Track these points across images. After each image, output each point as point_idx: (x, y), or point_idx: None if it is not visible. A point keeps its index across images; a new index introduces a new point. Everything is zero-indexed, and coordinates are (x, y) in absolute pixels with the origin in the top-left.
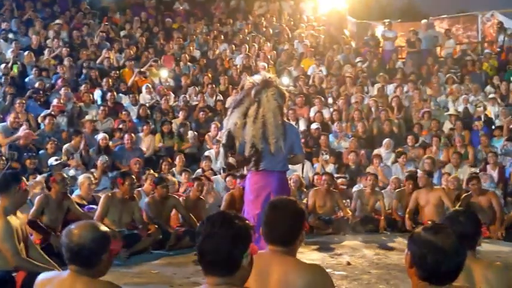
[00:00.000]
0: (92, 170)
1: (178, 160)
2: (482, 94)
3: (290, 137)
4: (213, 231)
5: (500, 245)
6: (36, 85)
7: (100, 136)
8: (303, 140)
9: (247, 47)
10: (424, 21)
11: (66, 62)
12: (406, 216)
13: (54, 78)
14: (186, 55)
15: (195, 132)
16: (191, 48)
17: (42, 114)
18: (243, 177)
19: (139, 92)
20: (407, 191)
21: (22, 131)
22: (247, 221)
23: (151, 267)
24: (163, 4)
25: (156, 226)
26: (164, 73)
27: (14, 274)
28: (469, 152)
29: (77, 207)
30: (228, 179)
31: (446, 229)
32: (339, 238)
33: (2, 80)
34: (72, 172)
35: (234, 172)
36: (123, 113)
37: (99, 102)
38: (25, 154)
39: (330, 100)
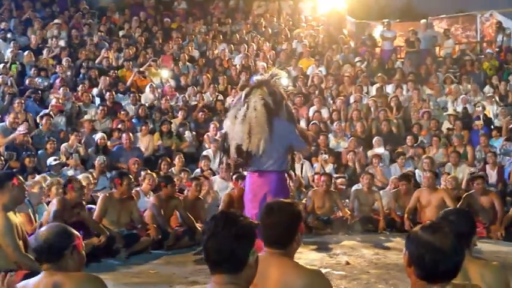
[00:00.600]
0: (91, 170)
1: (177, 160)
2: (481, 94)
3: (283, 135)
4: (217, 230)
5: (499, 245)
6: (27, 82)
7: (98, 136)
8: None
9: (246, 46)
10: (423, 21)
11: (64, 61)
12: (405, 215)
13: (52, 78)
14: (185, 55)
15: (194, 132)
16: (190, 48)
17: (40, 114)
18: (243, 178)
19: (139, 91)
20: (402, 191)
21: (19, 131)
22: (251, 220)
23: (150, 267)
24: (162, 4)
25: (155, 226)
26: (164, 73)
27: (13, 273)
28: (468, 152)
29: (87, 214)
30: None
31: (444, 228)
32: (337, 238)
33: (1, 79)
34: (71, 172)
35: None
36: (122, 112)
37: (97, 101)
38: (24, 153)
39: (329, 100)
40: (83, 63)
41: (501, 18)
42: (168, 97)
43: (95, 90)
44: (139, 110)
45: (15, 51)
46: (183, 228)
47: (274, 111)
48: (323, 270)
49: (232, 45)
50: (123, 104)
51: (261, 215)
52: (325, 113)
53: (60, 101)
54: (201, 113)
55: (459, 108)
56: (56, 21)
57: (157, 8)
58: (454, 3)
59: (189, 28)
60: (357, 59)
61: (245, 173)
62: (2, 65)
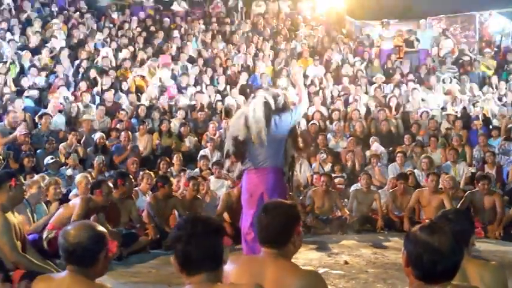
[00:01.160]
0: (89, 169)
1: (176, 159)
2: (480, 94)
3: (279, 131)
4: (196, 231)
5: (497, 244)
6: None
7: (97, 135)
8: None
9: (245, 46)
10: (422, 21)
11: (64, 61)
12: (405, 215)
13: (51, 78)
14: (185, 54)
15: (195, 138)
16: (189, 47)
17: (39, 114)
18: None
19: (138, 91)
20: (399, 191)
21: (19, 131)
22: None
23: (149, 267)
24: (162, 3)
25: (153, 226)
26: (163, 73)
27: (11, 273)
28: (466, 152)
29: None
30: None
31: (442, 228)
32: (336, 237)
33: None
34: (69, 171)
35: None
36: (121, 112)
37: (96, 101)
38: (22, 153)
39: (328, 100)
40: (82, 63)
41: (500, 18)
42: (169, 97)
43: (94, 90)
44: (139, 110)
45: (15, 51)
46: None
47: (273, 110)
48: (321, 270)
49: (231, 45)
50: (122, 104)
51: (258, 214)
52: (324, 112)
53: (59, 100)
54: (200, 113)
55: (458, 108)
56: (55, 21)
57: (156, 8)
58: (453, 3)
59: (188, 28)
60: (356, 58)
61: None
62: (1, 64)
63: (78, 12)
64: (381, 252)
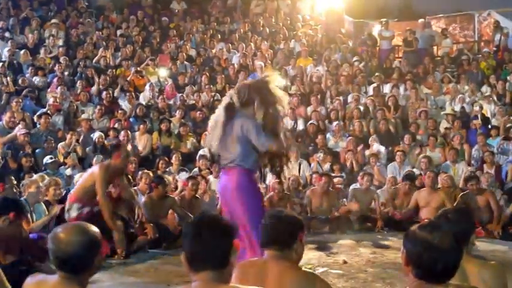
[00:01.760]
0: (88, 169)
1: (175, 159)
2: (479, 93)
3: (240, 130)
4: (203, 230)
5: (496, 243)
6: (20, 82)
7: (96, 135)
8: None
9: (244, 46)
10: (421, 20)
11: (62, 60)
12: (407, 215)
13: (50, 77)
14: (183, 54)
15: (194, 140)
16: (188, 47)
17: (37, 113)
18: None
19: (136, 91)
20: (403, 191)
21: (18, 131)
22: (230, 220)
23: (148, 266)
24: (160, 3)
25: (152, 225)
26: (162, 72)
27: None
28: (465, 151)
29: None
30: None
31: (442, 227)
32: (335, 237)
33: None
34: (69, 171)
35: None
36: (120, 112)
37: (95, 101)
38: (21, 153)
39: (327, 99)
40: (80, 62)
41: (499, 17)
42: (167, 96)
43: (93, 89)
44: (137, 109)
45: (13, 50)
46: (180, 228)
47: (236, 108)
48: (320, 269)
49: (230, 45)
50: (120, 103)
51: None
52: (323, 112)
53: (58, 100)
54: (199, 113)
55: (457, 108)
56: (53, 20)
57: (155, 7)
58: (452, 3)
59: (186, 27)
60: (355, 58)
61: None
62: (2, 64)
63: (75, 11)
64: (380, 251)
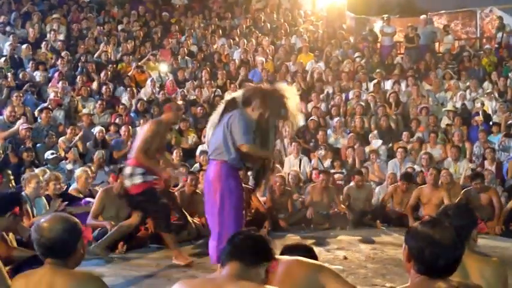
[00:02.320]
0: (89, 164)
1: (175, 154)
2: (480, 90)
3: (227, 126)
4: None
5: (497, 240)
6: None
7: (97, 129)
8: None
9: (245, 41)
10: (422, 16)
11: (63, 55)
12: (408, 211)
13: (51, 72)
14: (184, 49)
15: (195, 135)
16: (189, 42)
17: (38, 108)
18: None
19: (137, 86)
20: (401, 189)
21: (22, 126)
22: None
23: (149, 261)
24: None
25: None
26: (163, 67)
27: None
28: (466, 148)
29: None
30: None
31: (443, 223)
32: (335, 233)
33: None
34: (69, 166)
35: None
36: (121, 107)
37: (95, 95)
38: (22, 147)
39: (329, 95)
40: (81, 57)
41: (501, 14)
42: (168, 92)
43: (93, 84)
44: (138, 104)
45: (14, 45)
46: (181, 223)
47: (237, 104)
48: None
49: (231, 40)
50: (121, 98)
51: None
52: (323, 108)
53: (59, 94)
54: (199, 108)
55: (458, 104)
56: (54, 15)
57: (156, 2)
58: None
59: (188, 22)
60: (356, 54)
61: None
62: (4, 58)
63: (76, 5)
64: (380, 247)
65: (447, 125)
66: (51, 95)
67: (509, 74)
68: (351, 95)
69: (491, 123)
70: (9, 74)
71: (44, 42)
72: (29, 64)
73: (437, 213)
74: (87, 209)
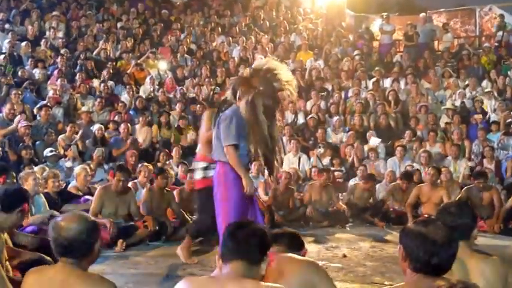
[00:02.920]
0: (88, 161)
1: (175, 152)
2: (479, 88)
3: (219, 124)
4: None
5: (496, 238)
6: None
7: (96, 127)
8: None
9: (245, 39)
10: (422, 14)
11: (63, 53)
12: (407, 209)
13: (50, 69)
14: (184, 47)
15: (194, 133)
16: (188, 40)
17: (38, 106)
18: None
19: (136, 83)
20: (401, 188)
21: (21, 124)
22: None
23: (147, 259)
24: None
25: (152, 217)
26: (162, 65)
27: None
28: (466, 146)
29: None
30: None
31: (436, 221)
32: (334, 231)
33: None
34: (69, 164)
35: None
36: (120, 104)
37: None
38: (21, 145)
39: (328, 93)
40: (81, 55)
41: (500, 12)
42: (167, 89)
43: (93, 82)
44: (137, 102)
45: (13, 42)
46: (180, 220)
47: (225, 105)
48: (320, 263)
49: (230, 38)
50: (120, 96)
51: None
52: (323, 106)
53: (58, 92)
54: (199, 106)
55: (457, 103)
56: (54, 13)
57: (155, 0)
58: None
59: (187, 20)
60: (355, 52)
61: None
62: (3, 56)
63: (75, 3)
64: (379, 245)
65: (446, 123)
66: (50, 93)
67: (508, 73)
68: (350, 93)
69: (490, 121)
70: (7, 71)
71: (43, 40)
72: (28, 61)
73: (438, 210)
74: (86, 207)
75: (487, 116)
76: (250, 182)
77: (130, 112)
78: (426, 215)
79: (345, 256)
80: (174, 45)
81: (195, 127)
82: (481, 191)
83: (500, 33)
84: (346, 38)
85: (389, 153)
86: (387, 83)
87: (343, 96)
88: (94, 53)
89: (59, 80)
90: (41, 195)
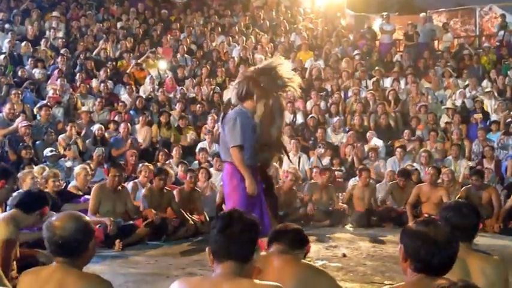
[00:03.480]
0: (88, 161)
1: (175, 152)
2: (479, 88)
3: (224, 125)
4: (231, 224)
5: (495, 238)
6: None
7: (96, 127)
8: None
9: (245, 39)
10: (422, 14)
11: (63, 53)
12: (407, 208)
13: (50, 69)
14: (184, 47)
15: (194, 133)
16: (188, 40)
17: (38, 105)
18: None
19: (136, 83)
20: (399, 185)
21: (18, 122)
22: (254, 217)
23: (147, 258)
24: None
25: (153, 210)
26: (162, 65)
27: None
28: (466, 146)
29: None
30: None
31: (437, 221)
32: (334, 230)
33: None
34: (69, 163)
35: None
36: (120, 104)
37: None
38: (20, 145)
39: (328, 93)
40: (81, 55)
41: (500, 12)
42: (167, 89)
43: (92, 82)
44: (137, 102)
45: (13, 42)
46: (179, 220)
47: (233, 105)
48: (320, 262)
49: (230, 38)
50: (120, 96)
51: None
52: (323, 106)
53: (58, 92)
54: (198, 106)
55: (457, 102)
56: (54, 13)
57: (155, 0)
58: None
59: (187, 20)
60: (355, 52)
61: None
62: (3, 56)
63: (75, 3)
64: (379, 245)
65: (446, 123)
66: (50, 93)
67: (508, 72)
68: (350, 93)
69: (490, 121)
70: (7, 71)
71: (43, 40)
72: (28, 61)
73: (446, 206)
74: (86, 207)
75: (487, 116)
76: (253, 183)
77: (131, 112)
78: (426, 215)
79: (344, 256)
80: (174, 45)
81: (195, 127)
82: (479, 190)
83: (501, 32)
84: (346, 37)
85: (389, 153)
86: (387, 82)
87: (343, 96)
88: (94, 53)
89: (59, 79)
90: None
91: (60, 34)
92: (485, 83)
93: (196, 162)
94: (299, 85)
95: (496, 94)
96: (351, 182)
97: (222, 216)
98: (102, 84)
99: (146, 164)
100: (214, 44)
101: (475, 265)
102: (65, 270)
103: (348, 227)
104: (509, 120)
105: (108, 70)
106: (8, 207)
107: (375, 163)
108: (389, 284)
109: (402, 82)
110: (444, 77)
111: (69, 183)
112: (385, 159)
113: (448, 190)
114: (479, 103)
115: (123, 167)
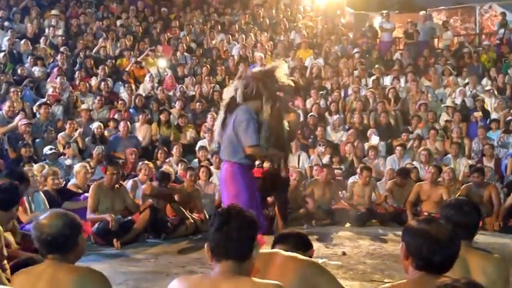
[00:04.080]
0: (88, 159)
1: (175, 150)
2: (479, 86)
3: (233, 125)
4: (228, 221)
5: (495, 236)
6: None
7: (95, 125)
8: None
9: (244, 37)
10: (422, 12)
11: (62, 51)
12: (407, 207)
13: (50, 67)
14: (184, 45)
15: (193, 131)
16: (188, 38)
17: (37, 103)
18: None
19: (136, 81)
20: (398, 184)
21: (17, 120)
22: (254, 214)
23: (147, 256)
24: None
25: (150, 201)
26: (161, 63)
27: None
28: (465, 144)
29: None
30: None
31: (438, 220)
32: (334, 228)
33: None
34: (69, 161)
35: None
36: (119, 102)
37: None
38: (20, 143)
39: (327, 91)
40: (80, 53)
41: (500, 10)
42: (167, 87)
43: (92, 80)
44: (137, 100)
45: (13, 40)
46: (179, 218)
47: (237, 103)
48: (319, 260)
49: (230, 36)
50: (120, 94)
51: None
52: (322, 104)
53: (57, 90)
54: (198, 104)
55: (457, 101)
56: (53, 11)
57: None
58: None
59: (186, 18)
60: (355, 50)
61: None
62: (2, 54)
63: (77, 1)
64: (379, 243)
65: (446, 121)
66: (50, 91)
67: (508, 71)
68: (349, 91)
69: (489, 119)
70: (7, 69)
71: (42, 38)
72: (27, 59)
73: (447, 204)
74: (85, 205)
75: (487, 114)
76: (278, 154)
77: (130, 110)
78: (426, 213)
79: (344, 254)
80: (173, 43)
81: (195, 125)
82: (479, 188)
83: (501, 30)
84: (346, 36)
85: (389, 151)
86: (387, 80)
87: (342, 94)
88: (94, 51)
89: (59, 77)
90: (41, 193)
91: (60, 32)
92: (485, 81)
93: (196, 160)
94: (291, 90)
95: (496, 92)
96: (351, 180)
97: (220, 213)
98: (101, 83)
99: (146, 162)
100: (214, 42)
101: (475, 263)
102: (56, 265)
103: (348, 225)
104: (509, 118)
105: (108, 68)
106: None
107: (375, 161)
108: (389, 282)
109: (402, 80)
110: (444, 75)
111: (68, 181)
112: (384, 158)
113: (449, 188)
114: (479, 101)
115: (121, 165)
